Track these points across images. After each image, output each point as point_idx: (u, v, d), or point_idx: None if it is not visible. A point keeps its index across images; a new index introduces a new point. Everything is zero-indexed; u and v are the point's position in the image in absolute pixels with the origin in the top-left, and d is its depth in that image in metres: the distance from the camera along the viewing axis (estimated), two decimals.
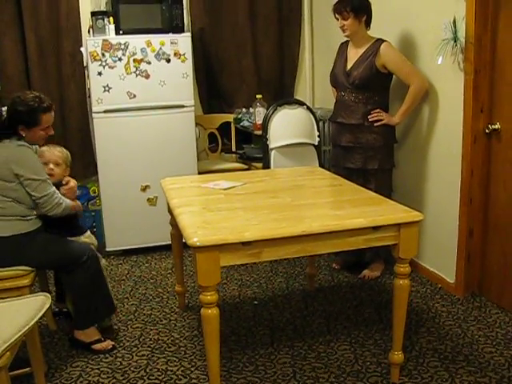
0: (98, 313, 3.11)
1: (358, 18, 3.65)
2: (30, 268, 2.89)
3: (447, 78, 3.52)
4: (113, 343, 3.12)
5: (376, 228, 2.43)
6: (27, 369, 2.64)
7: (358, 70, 3.70)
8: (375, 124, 3.73)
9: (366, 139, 3.75)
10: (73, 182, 3.21)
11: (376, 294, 3.69)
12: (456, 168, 3.51)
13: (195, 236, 2.26)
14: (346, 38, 3.85)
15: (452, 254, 3.64)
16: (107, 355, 3.02)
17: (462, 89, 3.39)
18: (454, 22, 3.34)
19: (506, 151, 3.28)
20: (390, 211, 2.55)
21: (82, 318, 3.06)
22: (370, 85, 3.71)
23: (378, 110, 3.72)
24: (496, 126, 3.31)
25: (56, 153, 3.23)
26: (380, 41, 3.70)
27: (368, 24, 3.72)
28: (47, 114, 2.94)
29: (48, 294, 2.54)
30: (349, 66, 3.78)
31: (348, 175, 3.65)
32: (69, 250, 3.01)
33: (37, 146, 3.09)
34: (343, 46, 3.92)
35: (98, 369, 2.91)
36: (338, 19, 3.70)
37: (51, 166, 3.17)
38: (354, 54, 3.79)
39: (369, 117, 3.73)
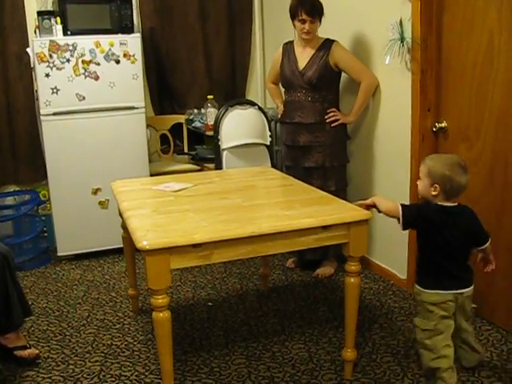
0: (11, 320, 2.96)
1: (320, 21, 3.74)
2: None
3: (395, 78, 3.58)
4: (37, 352, 3.00)
5: (326, 227, 2.45)
6: None
7: (314, 70, 3.74)
8: (332, 124, 3.79)
9: (325, 138, 3.81)
10: None
11: (329, 292, 3.73)
12: (405, 166, 3.57)
13: (145, 239, 2.24)
14: (291, 38, 3.89)
15: (403, 251, 3.69)
16: (59, 362, 2.97)
17: (410, 88, 3.45)
18: (401, 22, 3.39)
19: (453, 149, 3.34)
20: (339, 210, 2.58)
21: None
22: (325, 83, 3.78)
23: (333, 110, 3.80)
24: (443, 125, 3.38)
25: None
26: (329, 40, 3.77)
27: None
28: None
29: None
30: (301, 66, 3.80)
31: (307, 174, 3.73)
32: None
33: None
34: (288, 47, 3.94)
35: (50, 377, 2.84)
36: (302, 21, 3.68)
37: None
38: (303, 54, 3.82)
39: (326, 117, 3.78)
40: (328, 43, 3.76)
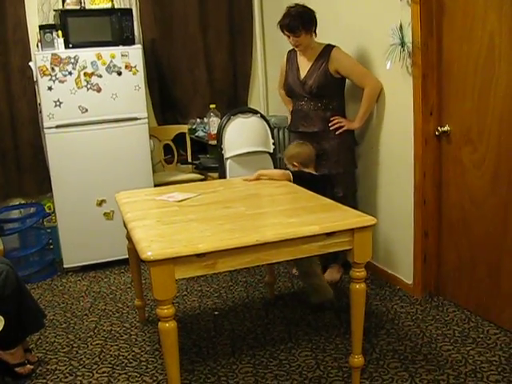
0: (25, 329, 3.00)
1: (309, 32, 3.68)
2: None
3: (397, 83, 3.58)
4: (32, 367, 3.01)
5: (330, 234, 2.45)
6: None
7: (314, 79, 3.73)
8: (336, 132, 3.78)
9: (330, 145, 3.80)
10: None
11: (335, 299, 3.71)
12: (409, 170, 3.57)
13: (149, 250, 2.24)
14: (291, 46, 3.89)
15: (409, 256, 3.69)
16: (67, 374, 2.97)
17: (412, 92, 3.45)
18: (401, 27, 3.40)
19: (456, 152, 3.34)
20: (343, 217, 2.57)
21: (10, 337, 2.90)
22: (327, 91, 3.76)
23: (337, 117, 3.79)
24: (445, 128, 3.38)
25: None
26: (330, 46, 3.75)
27: (315, 32, 3.75)
28: None
29: (1, 317, 2.49)
30: (302, 75, 3.81)
31: None
32: None
33: None
34: (292, 54, 3.94)
35: None
36: (288, 36, 3.70)
37: None
38: (305, 62, 3.82)
39: (330, 125, 3.78)
40: (327, 50, 3.73)
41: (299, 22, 3.61)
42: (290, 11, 3.66)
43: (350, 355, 2.73)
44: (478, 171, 3.21)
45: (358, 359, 2.70)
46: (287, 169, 3.69)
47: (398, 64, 3.50)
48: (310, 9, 3.70)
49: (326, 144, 3.81)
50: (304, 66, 3.82)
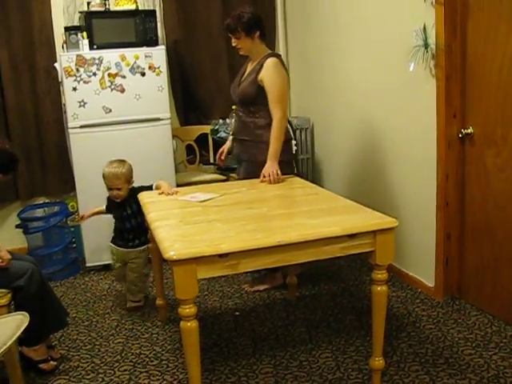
0: (48, 327, 3.06)
1: (250, 35, 3.60)
2: None
3: (420, 85, 3.56)
4: (55, 363, 3.05)
5: (352, 236, 2.45)
6: None
7: (244, 85, 3.67)
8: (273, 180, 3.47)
9: (260, 155, 3.59)
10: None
11: (356, 301, 3.71)
12: (431, 172, 3.55)
13: (172, 250, 2.26)
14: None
15: (431, 258, 3.67)
16: (89, 371, 3.01)
17: (435, 95, 3.43)
18: (425, 29, 3.38)
19: (479, 155, 3.32)
20: (365, 219, 2.57)
21: (34, 334, 2.93)
22: (255, 100, 3.63)
23: (263, 178, 3.48)
24: (469, 131, 3.36)
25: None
26: (269, 56, 3.63)
27: (263, 37, 3.67)
28: None
29: (26, 313, 2.52)
30: (242, 80, 3.75)
31: None
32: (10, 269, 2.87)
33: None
34: (248, 58, 3.83)
35: None
36: (230, 37, 3.66)
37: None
38: (248, 68, 3.76)
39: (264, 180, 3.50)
40: (265, 59, 3.61)
41: (238, 23, 3.56)
42: (234, 13, 3.60)
43: (371, 357, 2.73)
44: (501, 174, 3.18)
45: (378, 361, 2.69)
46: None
47: (421, 66, 3.48)
48: (256, 13, 3.62)
49: (257, 153, 3.62)
50: (247, 71, 3.75)
